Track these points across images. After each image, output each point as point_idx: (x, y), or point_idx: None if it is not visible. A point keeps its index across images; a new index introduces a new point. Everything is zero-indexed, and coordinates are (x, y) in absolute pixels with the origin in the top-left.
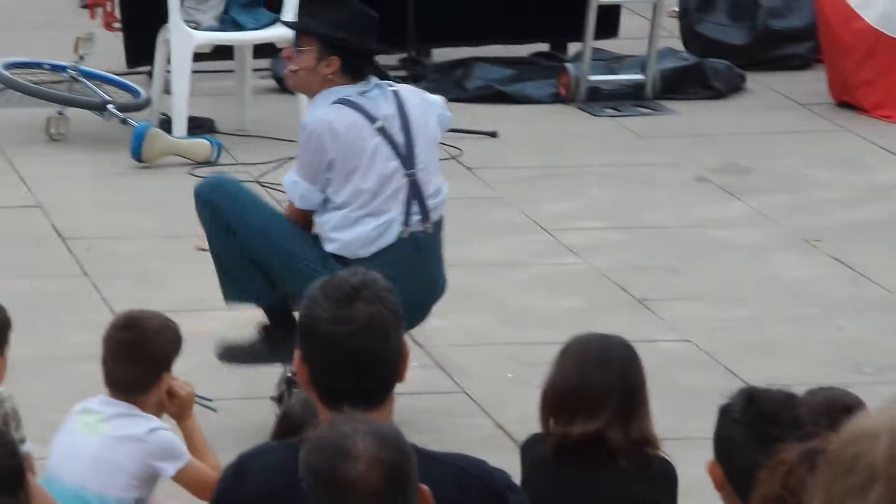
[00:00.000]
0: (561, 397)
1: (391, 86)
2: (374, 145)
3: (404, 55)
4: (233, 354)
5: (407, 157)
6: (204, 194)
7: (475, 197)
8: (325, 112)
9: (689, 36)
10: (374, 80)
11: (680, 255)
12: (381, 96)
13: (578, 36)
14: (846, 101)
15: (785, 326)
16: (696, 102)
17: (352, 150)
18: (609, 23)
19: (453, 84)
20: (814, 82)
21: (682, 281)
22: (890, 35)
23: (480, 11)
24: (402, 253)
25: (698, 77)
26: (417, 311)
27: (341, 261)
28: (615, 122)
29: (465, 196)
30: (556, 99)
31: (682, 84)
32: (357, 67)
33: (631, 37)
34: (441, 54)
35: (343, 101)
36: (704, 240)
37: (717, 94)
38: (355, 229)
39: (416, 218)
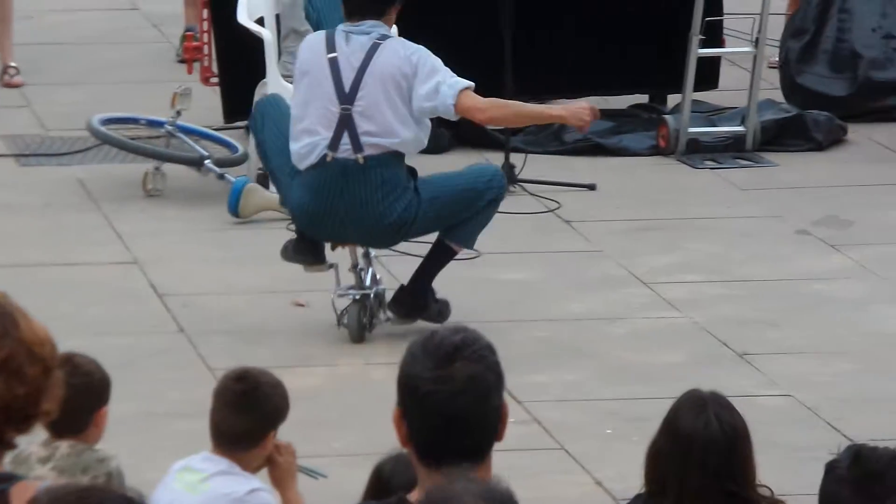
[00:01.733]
0: (662, 471)
1: (383, 38)
2: (317, 67)
3: None
4: (283, 249)
5: (348, 95)
6: (254, 110)
7: (574, 251)
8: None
9: (790, 88)
10: (375, 27)
11: (781, 308)
12: (359, 40)
13: (678, 88)
14: None
15: (888, 381)
16: (796, 154)
17: (303, 64)
18: (709, 74)
19: (551, 137)
20: None
21: (783, 335)
22: None
23: (579, 64)
24: (328, 174)
25: (799, 129)
26: (343, 230)
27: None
28: (715, 175)
29: (563, 250)
30: (655, 151)
31: (782, 136)
32: (346, 6)
33: (731, 88)
34: None
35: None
36: (805, 293)
37: (818, 146)
38: (295, 144)
39: (345, 147)
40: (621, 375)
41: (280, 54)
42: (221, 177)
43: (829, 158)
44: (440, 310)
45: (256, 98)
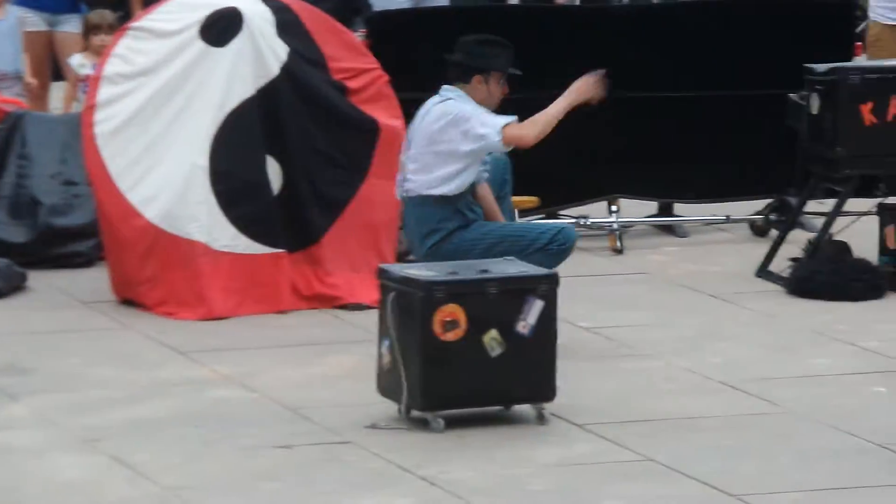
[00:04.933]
0: None
1: (441, 102)
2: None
3: None
4: None
5: (407, 146)
6: None
7: None
8: None
9: None
10: (449, 91)
11: None
12: (432, 100)
13: None
14: (130, 299)
15: None
16: None
17: None
18: None
19: None
20: (97, 280)
21: None
22: (170, 232)
23: None
24: (403, 206)
25: None
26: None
27: None
28: None
29: None
30: None
31: None
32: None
33: None
34: None
35: None
36: None
37: None
38: None
39: (402, 187)
40: None
41: None
42: None
43: (10, 306)
44: None
45: None
